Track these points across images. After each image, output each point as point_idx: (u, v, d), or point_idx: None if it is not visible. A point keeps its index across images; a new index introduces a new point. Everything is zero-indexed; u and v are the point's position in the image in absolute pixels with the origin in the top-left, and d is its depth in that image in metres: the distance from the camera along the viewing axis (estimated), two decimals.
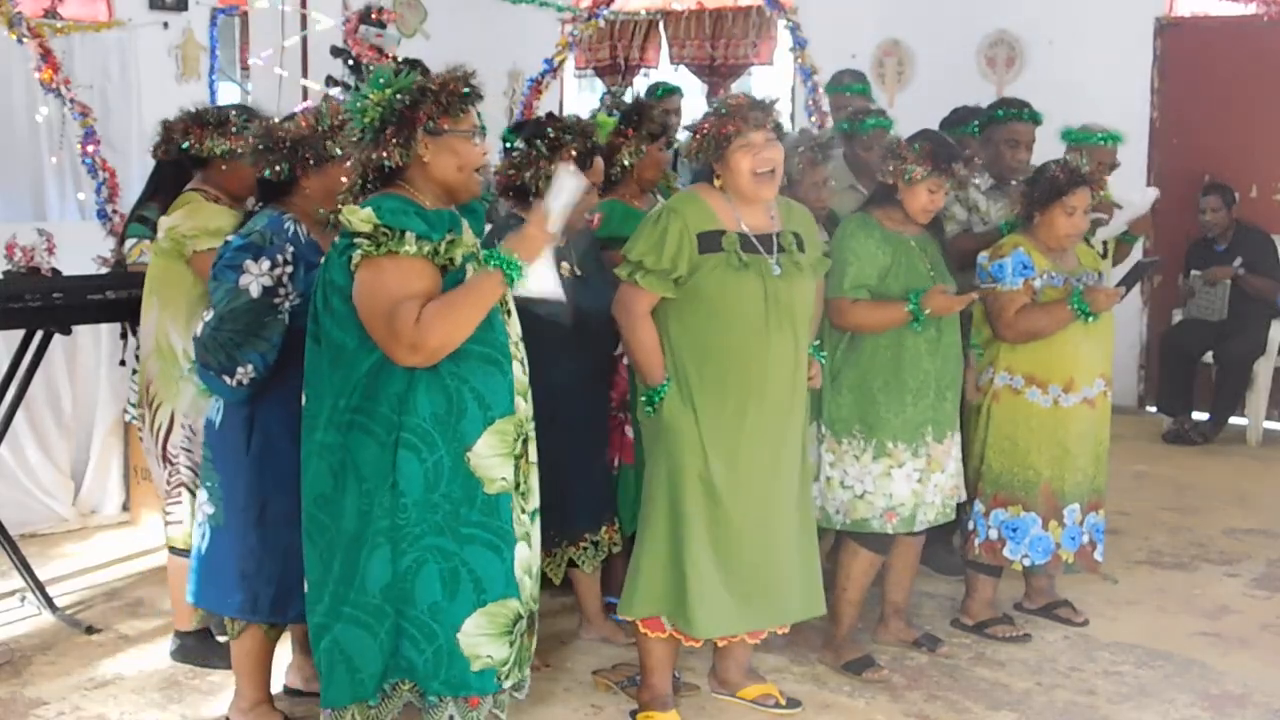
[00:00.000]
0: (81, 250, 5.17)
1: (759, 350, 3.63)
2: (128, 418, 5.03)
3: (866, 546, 4.21)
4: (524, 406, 3.16)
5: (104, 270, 5.06)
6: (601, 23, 9.00)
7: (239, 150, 3.99)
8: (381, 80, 3.06)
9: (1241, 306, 7.51)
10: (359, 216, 2.95)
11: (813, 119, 7.44)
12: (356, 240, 2.96)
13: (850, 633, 4.29)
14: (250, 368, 3.35)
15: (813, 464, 4.10)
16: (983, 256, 4.44)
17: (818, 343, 3.98)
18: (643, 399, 3.70)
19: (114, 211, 6.30)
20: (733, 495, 3.64)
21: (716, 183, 3.68)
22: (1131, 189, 5.22)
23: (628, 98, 7.72)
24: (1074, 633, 4.60)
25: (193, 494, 3.96)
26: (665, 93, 6.50)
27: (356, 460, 3.06)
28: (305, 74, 8.06)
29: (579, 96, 10.88)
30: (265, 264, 3.34)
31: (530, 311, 3.28)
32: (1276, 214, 7.84)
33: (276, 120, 3.69)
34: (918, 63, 9.03)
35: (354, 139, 3.09)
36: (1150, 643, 4.52)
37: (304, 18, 8.28)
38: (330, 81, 7.30)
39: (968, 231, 4.92)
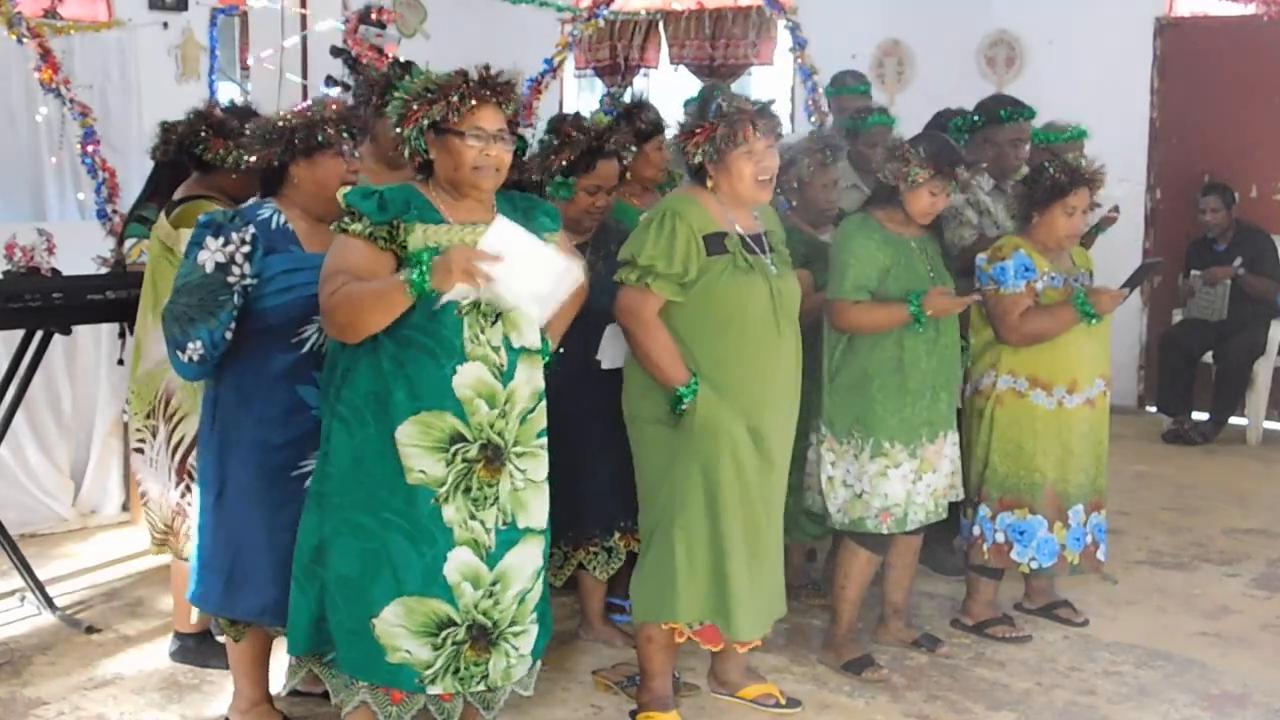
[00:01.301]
0: (81, 250, 5.18)
1: (773, 351, 3.65)
2: (126, 417, 5.02)
3: (865, 546, 4.21)
4: (486, 411, 3.09)
5: (104, 270, 5.06)
6: (601, 23, 9.00)
7: (253, 160, 3.99)
8: (409, 81, 3.19)
9: (1241, 306, 7.51)
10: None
11: (812, 119, 7.43)
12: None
13: (850, 632, 4.29)
14: (199, 344, 3.31)
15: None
16: (981, 259, 4.42)
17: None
18: (671, 401, 3.60)
19: (114, 211, 6.31)
20: (759, 494, 3.67)
21: (709, 184, 3.68)
22: (1112, 185, 5.24)
23: (627, 97, 7.70)
24: (1074, 633, 4.60)
25: None
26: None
27: (322, 428, 3.20)
28: (305, 74, 8.06)
29: (579, 96, 10.88)
30: (220, 240, 3.35)
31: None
32: (1276, 214, 7.84)
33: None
34: (918, 63, 9.03)
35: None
36: (1150, 643, 4.52)
37: (304, 18, 8.28)
38: (330, 81, 7.29)
39: (983, 237, 4.88)
